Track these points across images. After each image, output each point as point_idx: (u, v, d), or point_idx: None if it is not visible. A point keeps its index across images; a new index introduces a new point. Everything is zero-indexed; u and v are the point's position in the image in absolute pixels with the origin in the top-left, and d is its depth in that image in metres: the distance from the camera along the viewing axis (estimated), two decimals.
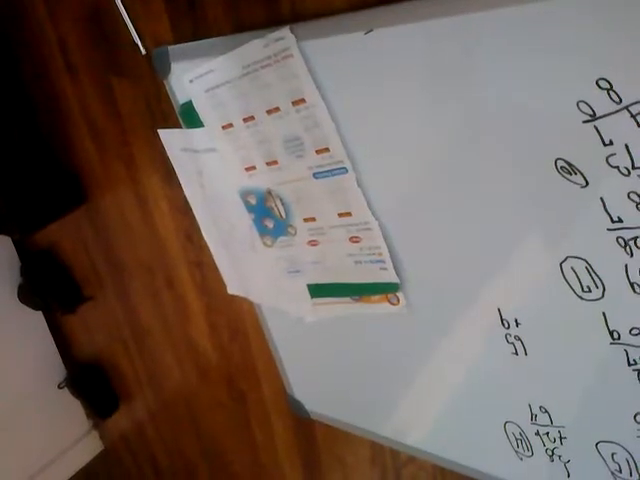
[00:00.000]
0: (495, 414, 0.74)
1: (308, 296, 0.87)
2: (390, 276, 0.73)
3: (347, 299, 0.81)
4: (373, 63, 0.62)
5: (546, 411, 0.68)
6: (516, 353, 0.66)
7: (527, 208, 0.58)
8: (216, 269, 1.02)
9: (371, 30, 0.59)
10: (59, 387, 1.70)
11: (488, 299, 0.66)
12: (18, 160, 1.17)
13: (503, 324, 0.65)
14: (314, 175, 0.74)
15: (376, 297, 0.77)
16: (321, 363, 0.95)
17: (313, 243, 0.81)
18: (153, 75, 0.88)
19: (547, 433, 0.70)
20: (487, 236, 0.63)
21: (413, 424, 0.86)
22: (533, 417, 0.70)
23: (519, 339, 0.65)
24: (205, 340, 1.19)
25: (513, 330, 0.65)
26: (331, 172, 0.72)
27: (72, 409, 1.76)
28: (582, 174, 0.52)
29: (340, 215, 0.75)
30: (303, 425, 1.08)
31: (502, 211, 0.60)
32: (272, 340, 1.01)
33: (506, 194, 0.59)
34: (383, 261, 0.73)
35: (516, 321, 0.64)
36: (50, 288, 1.47)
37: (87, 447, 1.86)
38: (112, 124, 1.05)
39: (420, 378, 0.81)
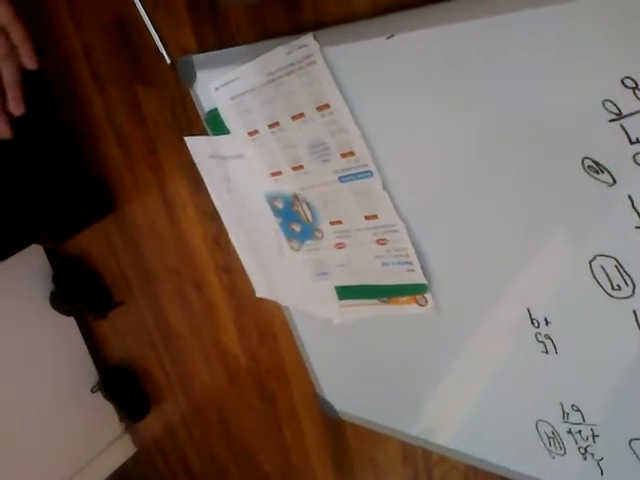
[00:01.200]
0: (526, 413, 0.74)
1: (336, 298, 0.87)
2: (418, 277, 0.74)
3: (375, 301, 0.82)
4: (395, 67, 0.62)
5: (578, 409, 0.68)
6: (546, 352, 0.66)
7: (555, 207, 0.58)
8: (244, 273, 1.03)
9: (392, 35, 0.60)
10: (92, 391, 1.73)
11: (517, 299, 0.66)
12: (48, 170, 1.19)
13: (533, 323, 0.65)
14: (340, 179, 0.75)
15: (404, 298, 0.77)
16: (350, 364, 0.96)
17: (340, 246, 0.81)
18: (178, 83, 0.89)
19: (579, 431, 0.70)
20: (515, 235, 0.63)
21: (444, 424, 0.87)
22: (565, 415, 0.70)
23: (549, 338, 0.65)
24: (234, 343, 1.21)
25: (543, 329, 0.65)
26: (356, 176, 0.73)
27: (105, 412, 1.79)
28: (609, 173, 0.52)
29: (366, 218, 0.75)
30: (333, 425, 1.09)
31: (530, 210, 0.60)
32: (301, 342, 1.02)
33: (535, 194, 0.59)
34: (410, 262, 0.73)
35: (546, 320, 0.64)
36: (81, 294, 1.50)
37: (120, 450, 1.89)
38: (139, 132, 1.07)
39: (450, 378, 0.81)
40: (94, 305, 1.50)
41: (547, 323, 0.64)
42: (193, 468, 1.75)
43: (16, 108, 0.73)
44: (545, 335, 0.65)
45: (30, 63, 0.71)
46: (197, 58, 0.83)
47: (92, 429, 1.80)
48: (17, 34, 0.70)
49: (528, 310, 0.65)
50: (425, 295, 0.75)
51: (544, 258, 0.61)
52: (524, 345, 0.68)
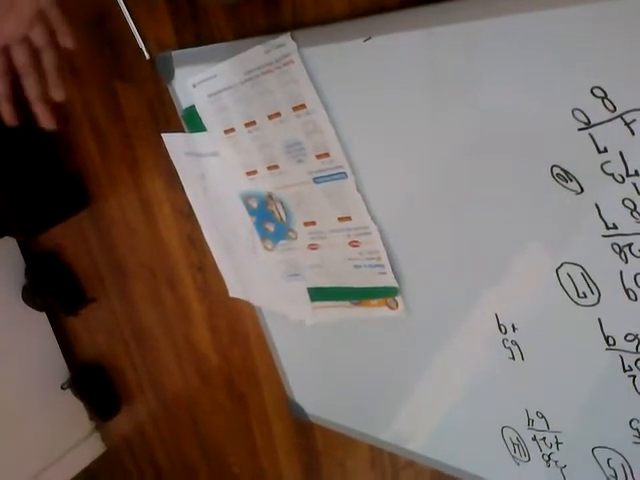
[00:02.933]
0: (492, 419, 0.74)
1: (308, 299, 0.87)
2: (389, 280, 0.74)
3: (346, 303, 0.82)
4: (373, 69, 0.62)
5: (543, 416, 0.69)
6: (513, 358, 0.67)
7: (524, 214, 0.58)
8: (218, 272, 1.02)
9: (369, 38, 0.60)
10: (62, 388, 1.71)
11: (486, 304, 0.66)
12: (22, 163, 1.18)
13: (500, 329, 0.66)
14: (314, 180, 0.75)
15: (375, 301, 0.77)
16: (321, 367, 0.96)
17: (313, 247, 0.81)
18: (157, 80, 0.89)
19: (544, 438, 0.70)
20: (485, 241, 0.63)
21: (412, 429, 0.87)
22: (530, 422, 0.70)
23: (516, 344, 0.65)
24: (206, 343, 1.20)
25: (510, 335, 0.65)
26: (331, 177, 0.73)
27: (75, 410, 1.77)
28: (577, 181, 0.52)
29: (340, 219, 0.75)
30: (303, 428, 1.09)
31: (499, 217, 0.61)
32: (273, 343, 1.01)
33: (504, 200, 0.59)
34: (382, 265, 0.73)
35: (513, 326, 0.65)
36: (54, 289, 1.48)
37: (89, 448, 1.87)
38: (116, 127, 1.06)
39: (419, 382, 0.81)
40: (66, 301, 1.48)
41: (514, 329, 0.65)
42: (162, 468, 1.73)
43: (58, 93, 0.73)
44: (512, 341, 0.66)
45: (70, 42, 0.71)
46: (176, 55, 0.82)
47: (61, 426, 1.78)
48: (56, 17, 0.70)
49: (496, 316, 0.66)
50: (396, 298, 0.75)
51: (512, 264, 0.62)
52: (492, 351, 0.68)
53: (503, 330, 0.66)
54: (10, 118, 0.71)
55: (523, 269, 0.61)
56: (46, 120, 0.71)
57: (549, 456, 0.71)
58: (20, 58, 0.71)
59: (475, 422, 0.76)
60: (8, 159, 1.15)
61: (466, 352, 0.72)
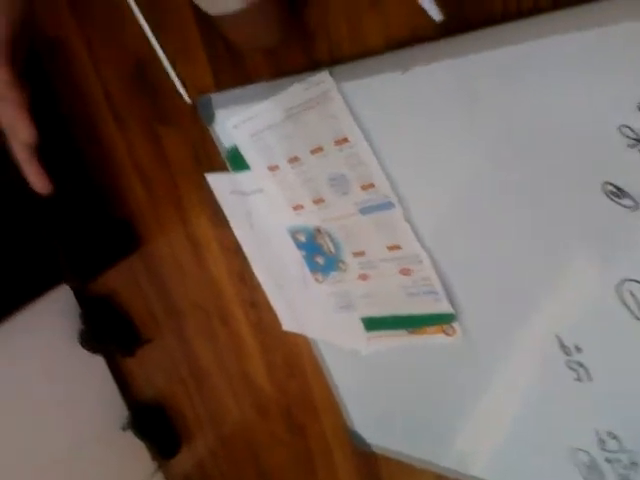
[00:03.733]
0: (561, 442, 0.72)
1: (362, 329, 0.87)
2: (444, 307, 0.73)
3: (402, 331, 0.81)
4: (412, 99, 0.62)
5: (615, 436, 0.67)
6: (579, 379, 0.65)
7: (578, 232, 0.57)
8: (270, 307, 1.03)
9: (407, 70, 0.60)
10: (122, 429, 1.73)
11: (546, 325, 0.65)
12: (72, 211, 1.22)
13: (564, 350, 0.64)
14: (361, 211, 0.75)
15: (431, 328, 0.77)
16: (381, 395, 0.95)
17: (364, 277, 0.81)
18: (198, 122, 0.91)
19: (617, 459, 0.68)
20: (539, 262, 0.62)
21: (477, 454, 0.85)
22: (602, 443, 0.68)
23: (581, 365, 0.64)
24: (262, 377, 1.20)
25: (575, 356, 0.64)
26: (378, 207, 0.73)
27: (136, 451, 1.78)
28: (631, 197, 0.51)
29: (389, 248, 0.75)
30: (365, 458, 1.08)
31: (553, 235, 0.60)
32: (329, 374, 1.01)
33: (556, 219, 0.58)
34: (436, 292, 0.73)
35: (577, 347, 0.63)
36: (109, 332, 1.51)
37: None
38: (161, 170, 1.08)
39: (481, 407, 0.80)
40: (122, 342, 1.51)
41: (578, 350, 0.63)
42: None
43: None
44: (577, 362, 0.64)
45: (28, 136, 0.57)
46: (215, 97, 0.84)
47: (124, 468, 1.79)
48: (10, 105, 0.56)
49: (558, 337, 0.64)
50: (453, 324, 0.74)
51: (570, 283, 0.61)
52: (556, 373, 0.67)
53: (567, 351, 0.64)
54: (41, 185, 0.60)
55: (582, 288, 0.60)
56: (36, 181, 0.60)
57: (626, 477, 0.68)
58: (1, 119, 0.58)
59: (543, 446, 0.75)
60: (59, 210, 1.18)
61: (528, 375, 0.71)
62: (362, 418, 1.02)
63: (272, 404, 1.24)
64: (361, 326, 0.87)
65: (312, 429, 1.17)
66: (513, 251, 0.63)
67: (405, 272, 0.75)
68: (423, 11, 0.56)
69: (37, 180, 0.59)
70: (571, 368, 0.65)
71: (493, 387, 0.76)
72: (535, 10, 0.51)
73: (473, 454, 0.86)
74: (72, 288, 1.53)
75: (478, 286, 0.69)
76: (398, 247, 0.74)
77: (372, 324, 0.85)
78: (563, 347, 0.64)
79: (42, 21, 1.12)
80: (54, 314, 1.52)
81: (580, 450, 0.70)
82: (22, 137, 0.56)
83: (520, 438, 0.77)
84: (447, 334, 0.75)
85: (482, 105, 0.58)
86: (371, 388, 0.95)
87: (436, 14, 0.54)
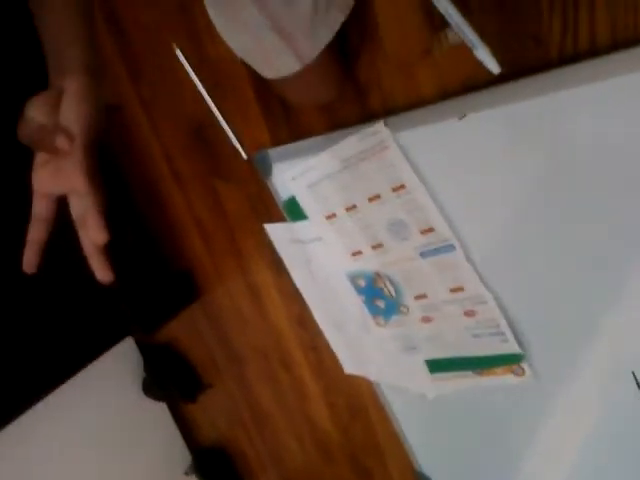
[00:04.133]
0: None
1: (427, 372, 0.87)
2: (512, 347, 0.73)
3: (468, 372, 0.81)
4: (466, 144, 0.64)
5: None
6: None
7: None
8: (331, 351, 1.04)
9: (464, 115, 0.62)
10: (186, 474, 1.74)
11: (619, 361, 0.64)
12: (134, 265, 1.25)
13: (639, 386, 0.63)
14: (421, 255, 0.76)
15: (499, 369, 0.76)
16: (446, 436, 0.94)
17: (427, 320, 0.82)
18: (255, 175, 0.93)
19: None
20: (607, 293, 0.62)
21: None
22: None
23: None
24: (325, 420, 1.21)
25: None
26: (438, 250, 0.74)
27: None
28: None
29: (452, 291, 0.76)
30: None
31: (618, 266, 0.59)
32: (394, 416, 1.01)
33: (620, 250, 0.58)
34: (503, 333, 0.73)
35: None
36: (171, 380, 1.53)
37: None
38: (219, 223, 1.11)
39: (551, 447, 0.78)
40: (184, 389, 1.53)
41: None
42: None
43: (98, 236, 0.58)
44: None
45: (100, 238, 0.56)
46: (272, 152, 0.87)
47: None
48: (92, 206, 0.57)
49: (634, 374, 0.63)
50: (521, 364, 0.73)
51: None
52: (630, 409, 0.66)
53: None
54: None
55: None
56: (100, 273, 0.60)
57: None
58: (73, 210, 0.59)
59: None
60: (120, 264, 1.22)
61: (601, 413, 0.70)
62: (429, 460, 1.01)
63: (336, 446, 1.23)
64: (425, 368, 0.87)
65: (378, 471, 1.16)
66: (578, 285, 0.63)
67: (469, 314, 0.75)
68: (477, 61, 0.57)
69: (101, 273, 0.59)
70: None
71: (564, 426, 0.75)
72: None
73: None
74: (136, 340, 1.57)
75: (545, 324, 0.69)
76: (461, 289, 0.74)
77: (437, 366, 0.85)
78: (639, 383, 0.63)
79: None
80: (120, 364, 1.56)
81: None
82: (93, 237, 0.57)
83: (592, 477, 0.75)
84: (516, 374, 0.75)
85: (539, 146, 0.58)
86: (438, 430, 0.94)
87: (494, 67, 0.56)
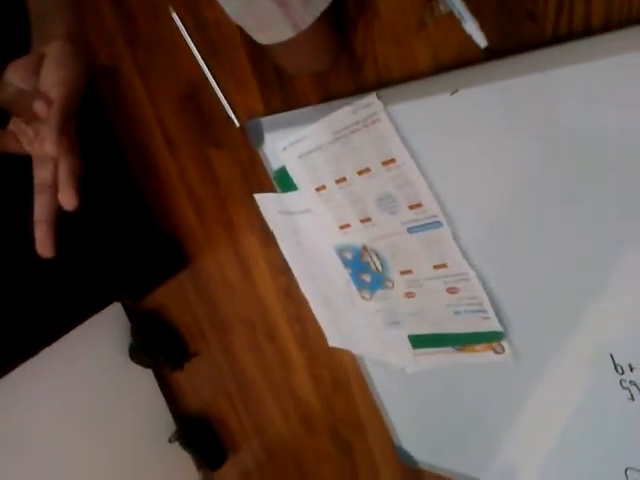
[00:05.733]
0: (614, 461, 0.71)
1: (409, 347, 0.88)
2: (493, 325, 0.73)
3: (449, 349, 0.82)
4: (458, 120, 0.64)
5: None
6: (632, 398, 0.64)
7: (633, 246, 0.57)
8: (316, 323, 1.04)
9: (457, 90, 0.61)
10: (169, 441, 1.76)
11: (599, 345, 0.65)
12: (124, 231, 1.26)
13: (617, 370, 0.64)
14: (408, 230, 0.76)
15: (480, 346, 0.77)
16: (427, 412, 0.95)
17: (410, 295, 0.82)
18: (247, 145, 0.93)
19: None
20: (591, 279, 0.62)
21: (525, 473, 0.84)
22: None
23: (635, 384, 0.63)
24: (308, 392, 1.22)
25: (628, 375, 0.63)
26: (425, 226, 0.74)
27: (183, 462, 1.81)
28: None
29: (435, 267, 0.76)
30: (412, 475, 1.08)
31: (602, 250, 0.60)
32: (375, 390, 1.02)
33: (606, 234, 0.59)
34: (484, 310, 0.73)
35: (630, 366, 0.63)
36: (158, 346, 1.54)
37: None
38: (210, 191, 1.11)
39: (530, 425, 0.79)
40: (171, 356, 1.54)
41: (632, 369, 0.63)
42: None
43: (68, 200, 0.55)
44: (630, 381, 0.64)
45: (67, 203, 0.54)
46: (265, 120, 0.86)
47: (170, 479, 1.82)
48: (63, 169, 0.55)
49: (611, 356, 0.64)
50: (502, 342, 0.74)
51: (624, 302, 0.60)
52: (608, 392, 0.66)
53: (620, 370, 0.64)
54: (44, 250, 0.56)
55: (636, 306, 0.60)
56: (41, 246, 0.56)
57: None
58: (36, 174, 0.57)
59: (595, 465, 0.74)
60: (110, 228, 1.22)
61: (579, 394, 0.70)
62: (409, 435, 1.02)
63: (318, 418, 1.25)
64: (408, 343, 0.87)
65: (358, 445, 1.17)
66: (564, 266, 0.64)
67: (452, 291, 0.76)
68: (469, 36, 0.57)
69: (41, 246, 0.56)
70: (624, 387, 0.64)
71: (542, 405, 0.76)
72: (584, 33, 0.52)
73: (520, 473, 0.85)
74: (124, 305, 1.58)
75: (528, 304, 0.70)
76: (444, 265, 0.75)
77: (419, 341, 0.86)
78: (616, 366, 0.64)
79: (97, 50, 1.17)
80: (106, 329, 1.56)
81: (633, 469, 0.70)
82: (63, 201, 0.55)
83: (570, 457, 0.76)
84: (496, 352, 0.75)
85: (529, 125, 0.58)
86: (418, 405, 0.95)
87: (481, 40, 0.55)
